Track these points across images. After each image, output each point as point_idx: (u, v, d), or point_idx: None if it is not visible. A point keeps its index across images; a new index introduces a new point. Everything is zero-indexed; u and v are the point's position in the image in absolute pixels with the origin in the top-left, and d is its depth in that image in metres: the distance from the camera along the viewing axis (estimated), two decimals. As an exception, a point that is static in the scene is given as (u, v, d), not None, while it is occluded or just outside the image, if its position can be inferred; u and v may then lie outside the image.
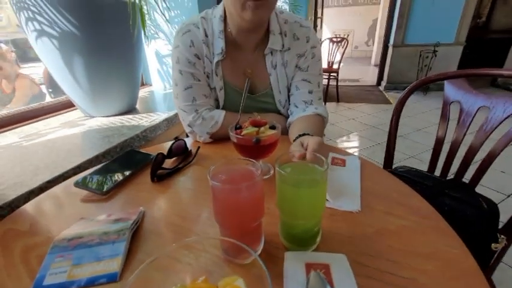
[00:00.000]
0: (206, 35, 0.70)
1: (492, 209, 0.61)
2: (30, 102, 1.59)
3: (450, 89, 0.79)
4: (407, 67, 4.17)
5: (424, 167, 0.82)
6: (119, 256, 0.38)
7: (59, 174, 0.68)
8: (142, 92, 1.57)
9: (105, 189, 0.54)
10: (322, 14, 4.50)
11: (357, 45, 8.17)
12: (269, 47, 0.72)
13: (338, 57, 3.88)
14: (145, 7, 0.99)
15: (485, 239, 0.59)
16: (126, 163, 0.65)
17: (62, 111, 1.21)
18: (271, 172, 0.60)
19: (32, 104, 1.15)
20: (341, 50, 3.79)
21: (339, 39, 3.90)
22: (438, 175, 0.78)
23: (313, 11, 4.10)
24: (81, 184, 0.56)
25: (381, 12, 6.39)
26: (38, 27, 0.88)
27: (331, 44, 3.93)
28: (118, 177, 0.59)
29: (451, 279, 0.34)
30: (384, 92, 4.28)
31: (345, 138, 2.68)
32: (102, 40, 0.96)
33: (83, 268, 0.36)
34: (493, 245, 0.58)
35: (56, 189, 0.58)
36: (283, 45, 0.73)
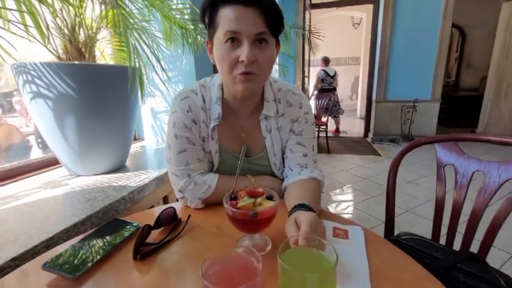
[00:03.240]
0: (204, 101, 0.72)
1: (511, 286, 0.56)
2: (13, 148, 1.55)
3: (442, 152, 0.81)
4: (391, 120, 4.41)
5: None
6: None
7: (27, 249, 0.59)
8: (134, 147, 1.54)
9: (77, 273, 0.47)
10: (309, 73, 4.90)
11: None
12: (264, 113, 0.74)
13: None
14: (143, 69, 1.03)
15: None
16: (108, 236, 0.58)
17: (46, 169, 1.15)
18: (269, 247, 0.54)
19: (16, 162, 1.09)
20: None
21: (325, 95, 4.20)
22: (443, 243, 0.73)
23: (301, 71, 4.47)
24: (50, 266, 0.48)
25: (361, 71, 7.06)
26: (34, 89, 0.89)
27: (319, 99, 4.22)
28: (95, 255, 0.52)
29: None
30: (371, 143, 4.43)
31: (338, 191, 2.65)
32: (98, 101, 0.97)
33: None
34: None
35: (18, 273, 0.50)
36: (277, 112, 0.75)
